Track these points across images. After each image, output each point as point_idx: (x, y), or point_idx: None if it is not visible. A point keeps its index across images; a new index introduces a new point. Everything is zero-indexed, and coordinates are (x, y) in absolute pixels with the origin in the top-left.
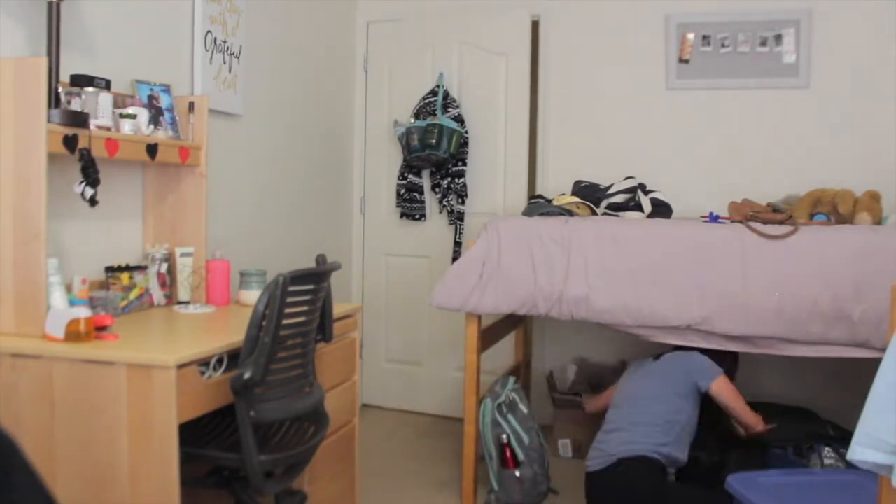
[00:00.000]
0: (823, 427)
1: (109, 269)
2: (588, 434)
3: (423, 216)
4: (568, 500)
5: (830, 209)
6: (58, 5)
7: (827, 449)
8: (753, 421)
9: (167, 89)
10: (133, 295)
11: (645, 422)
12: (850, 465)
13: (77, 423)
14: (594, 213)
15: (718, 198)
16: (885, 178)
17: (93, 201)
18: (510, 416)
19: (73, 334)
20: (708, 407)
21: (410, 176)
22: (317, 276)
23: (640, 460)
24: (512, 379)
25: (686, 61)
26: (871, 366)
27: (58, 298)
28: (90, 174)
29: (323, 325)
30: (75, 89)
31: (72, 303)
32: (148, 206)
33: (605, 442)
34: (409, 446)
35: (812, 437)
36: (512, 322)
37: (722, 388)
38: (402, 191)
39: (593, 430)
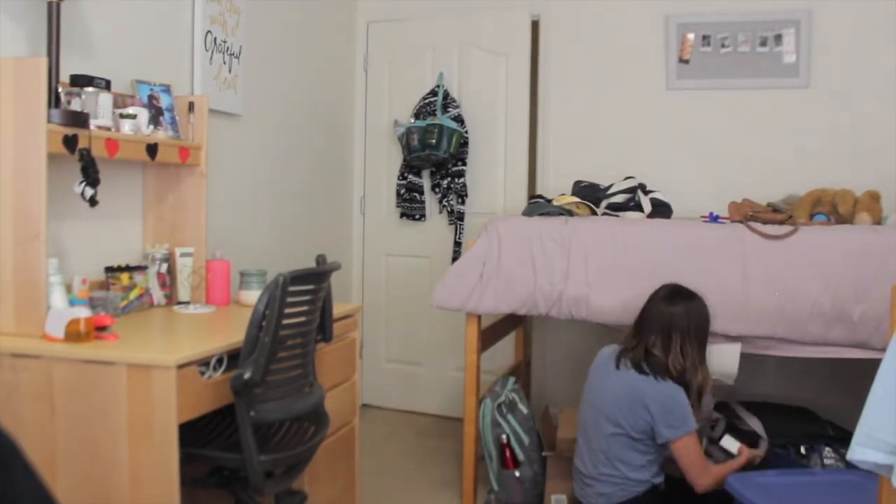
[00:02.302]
0: (823, 427)
1: (109, 269)
2: None
3: (423, 216)
4: None
5: (830, 209)
6: (58, 5)
7: (827, 449)
8: (713, 482)
9: (167, 89)
10: (133, 295)
11: (611, 474)
12: (850, 465)
13: (77, 423)
14: (594, 213)
15: (718, 198)
16: (885, 178)
17: (93, 201)
18: (510, 417)
19: (73, 334)
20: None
21: (410, 176)
22: (317, 276)
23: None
24: (512, 379)
25: (686, 61)
26: (871, 366)
27: (58, 298)
28: (90, 174)
29: (323, 325)
30: (75, 89)
31: (72, 303)
32: (148, 206)
33: (586, 486)
34: (409, 446)
35: (812, 437)
36: (512, 322)
37: (687, 446)
38: (402, 191)
39: None
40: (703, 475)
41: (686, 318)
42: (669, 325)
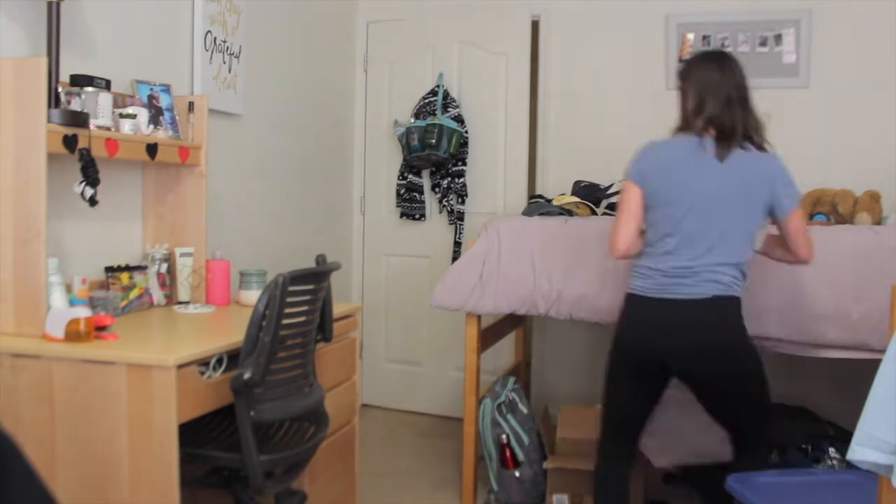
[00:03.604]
0: (823, 427)
1: (109, 269)
2: (590, 486)
3: (423, 216)
4: None
5: (830, 209)
6: (58, 5)
7: (831, 449)
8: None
9: (167, 89)
10: (133, 295)
11: (719, 263)
12: (851, 465)
13: (77, 423)
14: (594, 213)
15: None
16: (885, 178)
17: (93, 201)
18: (510, 417)
19: (73, 334)
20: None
21: (410, 176)
22: (317, 276)
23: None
24: (512, 379)
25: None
26: (871, 366)
27: (58, 298)
28: (90, 174)
29: (323, 324)
30: (75, 89)
31: (72, 303)
32: (148, 206)
33: (681, 280)
34: (409, 446)
35: (812, 437)
36: (512, 322)
37: (801, 216)
38: (402, 191)
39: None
40: (810, 244)
41: (743, 77)
42: (740, 93)
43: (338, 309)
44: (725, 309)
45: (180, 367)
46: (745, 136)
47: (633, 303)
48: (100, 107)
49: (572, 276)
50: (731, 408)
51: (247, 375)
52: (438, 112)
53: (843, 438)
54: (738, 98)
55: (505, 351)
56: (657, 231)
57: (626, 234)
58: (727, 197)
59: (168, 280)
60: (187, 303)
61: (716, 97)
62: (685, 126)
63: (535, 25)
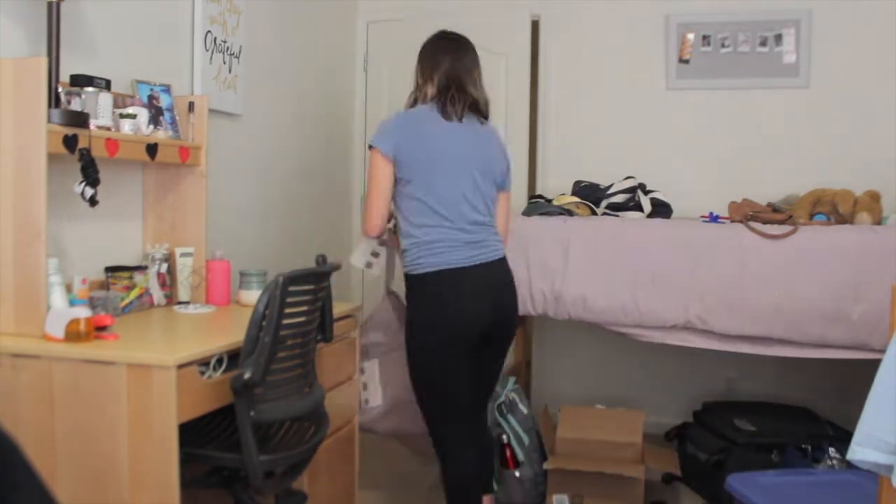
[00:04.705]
0: (823, 427)
1: (109, 269)
2: (592, 486)
3: None
4: None
5: (830, 209)
6: (58, 5)
7: (831, 449)
8: None
9: (167, 89)
10: (133, 295)
11: None
12: (852, 465)
13: (77, 423)
14: (594, 213)
15: (718, 198)
16: (885, 178)
17: (93, 201)
18: (510, 417)
19: (73, 334)
20: (710, 406)
21: None
22: (317, 276)
23: None
24: (512, 379)
25: (686, 61)
26: (871, 366)
27: (58, 298)
28: (90, 174)
29: (323, 325)
30: (75, 89)
31: (72, 303)
32: (148, 206)
33: None
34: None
35: (812, 437)
36: None
37: None
38: None
39: (597, 483)
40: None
41: None
42: None
43: (338, 309)
44: None
45: (180, 367)
46: None
47: None
48: (100, 107)
49: (571, 276)
50: None
51: (247, 375)
52: None
53: (843, 438)
54: None
55: None
56: None
57: None
58: None
59: (168, 280)
60: (187, 303)
61: None
62: None
63: (535, 25)
